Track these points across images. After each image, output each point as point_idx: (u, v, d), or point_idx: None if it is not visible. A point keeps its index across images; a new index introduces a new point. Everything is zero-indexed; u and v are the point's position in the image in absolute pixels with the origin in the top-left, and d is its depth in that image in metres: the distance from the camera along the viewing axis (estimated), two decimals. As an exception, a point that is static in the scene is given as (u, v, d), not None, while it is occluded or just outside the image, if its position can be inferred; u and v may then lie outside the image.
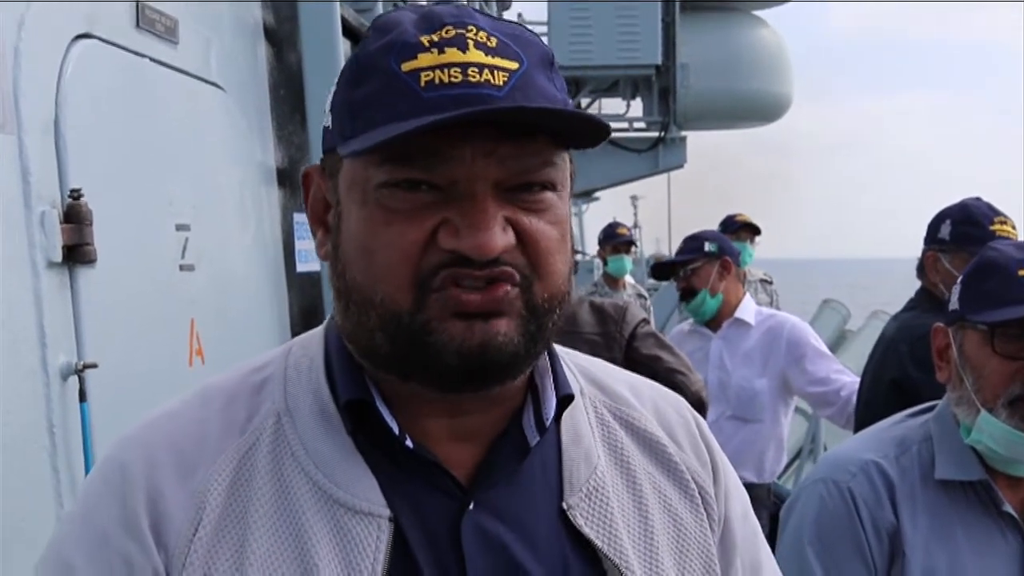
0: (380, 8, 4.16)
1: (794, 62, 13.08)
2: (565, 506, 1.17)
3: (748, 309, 5.06)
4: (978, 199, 3.86)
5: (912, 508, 2.08)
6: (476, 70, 1.04)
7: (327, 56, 3.53)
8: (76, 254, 2.29)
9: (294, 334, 3.54)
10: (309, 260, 3.71)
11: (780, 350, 4.92)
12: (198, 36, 3.01)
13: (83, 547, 1.09)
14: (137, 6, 2.65)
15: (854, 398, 4.52)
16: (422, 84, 1.03)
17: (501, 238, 1.04)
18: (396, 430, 1.12)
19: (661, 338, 3.83)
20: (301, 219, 3.69)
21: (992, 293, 2.00)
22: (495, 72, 1.04)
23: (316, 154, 3.53)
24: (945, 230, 3.80)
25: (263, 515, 1.09)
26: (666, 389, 1.40)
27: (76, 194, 2.28)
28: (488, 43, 1.06)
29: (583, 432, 1.24)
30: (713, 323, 5.09)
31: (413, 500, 1.12)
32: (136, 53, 2.65)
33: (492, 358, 1.06)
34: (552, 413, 1.19)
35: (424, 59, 1.04)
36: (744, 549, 1.33)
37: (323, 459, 1.11)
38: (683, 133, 12.60)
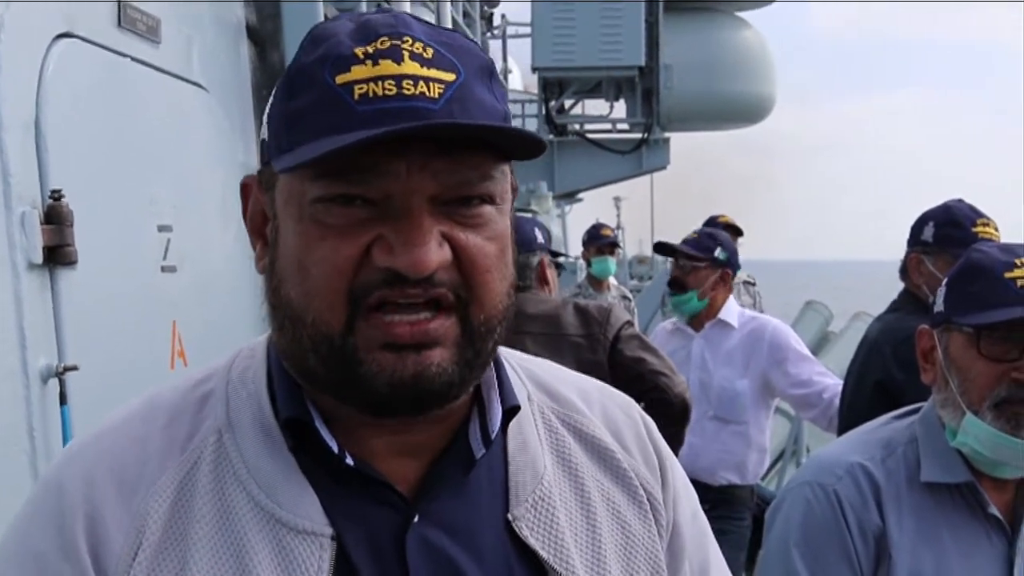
0: (364, 7, 4.13)
1: (777, 64, 13.12)
2: (510, 517, 1.16)
3: (731, 311, 5.09)
4: (960, 201, 3.87)
5: (898, 510, 2.08)
6: (411, 83, 1.02)
7: (311, 56, 3.51)
8: (57, 255, 2.26)
9: (276, 336, 3.53)
10: (292, 261, 3.70)
11: (762, 352, 4.94)
12: (180, 35, 2.99)
13: (19, 569, 1.07)
14: (119, 5, 2.63)
15: (836, 400, 4.53)
16: (356, 97, 1.01)
17: (436, 254, 1.02)
18: (335, 449, 1.10)
19: (645, 340, 3.83)
20: (283, 220, 3.68)
21: (978, 295, 2.00)
22: (430, 84, 1.02)
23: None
24: (928, 232, 3.81)
25: (204, 536, 1.07)
26: (614, 390, 1.39)
27: (57, 195, 2.26)
28: (424, 54, 1.04)
29: (530, 441, 1.23)
30: (695, 323, 5.11)
31: (357, 517, 1.10)
32: (118, 52, 2.63)
33: (425, 388, 1.05)
34: (498, 426, 1.17)
35: (358, 71, 1.02)
36: (692, 551, 1.33)
37: (264, 478, 1.10)
38: (666, 134, 12.63)
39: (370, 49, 1.03)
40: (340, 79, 1.02)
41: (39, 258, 2.23)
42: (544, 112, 12.53)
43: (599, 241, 8.18)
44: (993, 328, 1.97)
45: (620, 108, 13.01)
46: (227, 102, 3.32)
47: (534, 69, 12.10)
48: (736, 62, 12.46)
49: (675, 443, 4.36)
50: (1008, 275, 1.98)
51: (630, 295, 8.96)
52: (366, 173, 1.01)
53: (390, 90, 1.01)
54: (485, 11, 11.87)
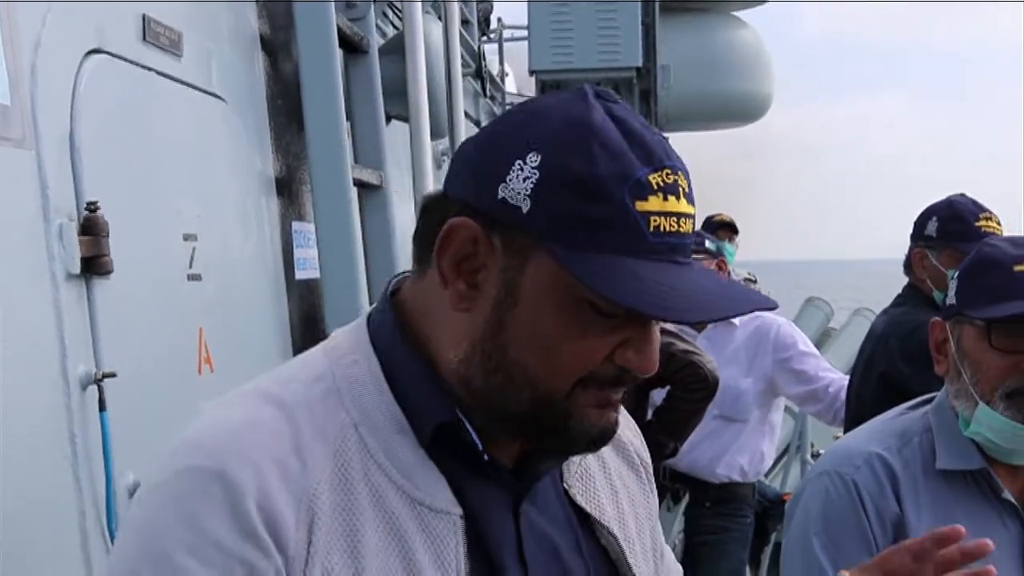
0: (373, 17, 4.19)
1: (773, 63, 13.10)
2: (565, 485, 1.40)
3: None
4: (963, 195, 3.93)
5: (915, 498, 2.14)
6: (685, 220, 1.21)
7: (323, 65, 3.56)
8: (93, 265, 2.31)
9: (294, 341, 3.58)
10: (307, 268, 3.75)
11: (767, 350, 5.00)
12: (200, 48, 3.05)
13: (196, 553, 1.13)
14: (143, 20, 2.69)
15: (841, 394, 4.61)
16: (650, 228, 1.17)
17: None
18: (480, 447, 1.28)
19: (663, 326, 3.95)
20: (299, 227, 3.73)
21: (989, 288, 2.07)
22: (689, 221, 1.22)
23: (315, 164, 3.56)
24: (931, 227, 3.87)
25: (367, 515, 1.21)
26: None
27: (93, 207, 2.32)
28: (687, 191, 1.22)
29: None
30: (698, 323, 5.18)
31: (478, 498, 1.28)
32: (143, 67, 2.69)
33: (609, 437, 1.29)
34: None
35: (653, 203, 1.18)
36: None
37: (402, 466, 1.24)
38: (665, 134, 12.54)
39: (660, 181, 1.19)
40: (639, 206, 1.18)
41: (77, 268, 2.27)
42: (543, 114, 12.46)
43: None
44: (1004, 321, 2.03)
45: (618, 109, 12.98)
46: (244, 112, 3.38)
47: (531, 72, 12.03)
48: (733, 61, 12.40)
49: (700, 418, 4.47)
50: (1018, 268, 2.04)
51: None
52: None
53: (672, 227, 1.20)
54: (486, 10, 11.84)
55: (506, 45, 13.13)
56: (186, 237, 2.81)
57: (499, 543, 1.28)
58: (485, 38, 12.27)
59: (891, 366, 3.77)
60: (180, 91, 2.92)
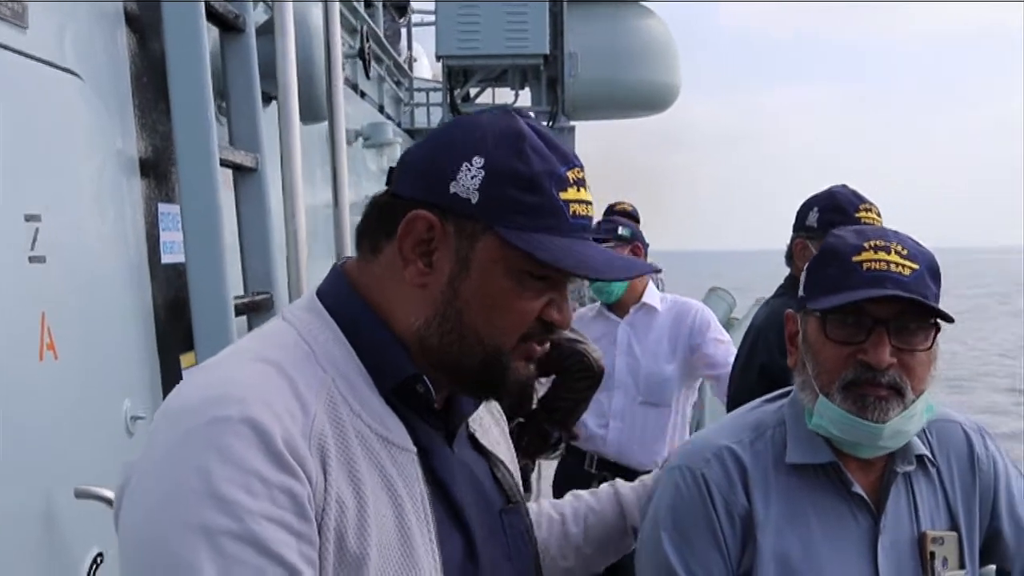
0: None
1: (681, 53, 13.16)
2: (471, 430, 1.77)
3: (653, 294, 5.18)
4: (844, 186, 3.95)
5: (765, 492, 2.11)
6: (590, 206, 1.57)
7: (191, 43, 3.42)
8: (-89, 247, 2.19)
9: (158, 325, 3.46)
10: (174, 251, 3.62)
11: (685, 334, 5.06)
12: (50, 21, 2.91)
13: (245, 487, 1.33)
14: (-20, -10, 2.55)
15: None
16: (571, 213, 1.52)
17: None
18: (434, 398, 1.59)
19: None
20: (166, 209, 3.61)
21: (828, 280, 2.05)
22: (592, 207, 1.58)
23: (180, 144, 3.43)
24: (812, 217, 3.88)
25: (358, 453, 1.47)
26: None
27: (-89, 185, 2.20)
28: (587, 184, 1.58)
29: None
30: (619, 308, 5.18)
31: (425, 438, 1.59)
32: (-21, 38, 2.55)
33: (531, 386, 1.62)
34: None
35: (571, 193, 1.53)
36: None
37: (373, 413, 1.53)
38: (572, 123, 12.63)
39: (574, 176, 1.54)
40: (562, 196, 1.52)
41: None
42: (449, 100, 12.45)
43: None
44: (838, 311, 2.01)
45: (525, 96, 13.00)
46: (103, 90, 3.24)
47: (438, 57, 11.99)
48: (640, 50, 12.45)
49: (585, 407, 4.48)
50: (856, 259, 2.02)
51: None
52: None
53: (584, 212, 1.54)
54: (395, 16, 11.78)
55: (416, 30, 13.05)
56: (28, 218, 2.68)
57: (450, 474, 1.60)
58: (396, 23, 12.16)
59: (770, 358, 3.77)
60: (25, 65, 2.77)
